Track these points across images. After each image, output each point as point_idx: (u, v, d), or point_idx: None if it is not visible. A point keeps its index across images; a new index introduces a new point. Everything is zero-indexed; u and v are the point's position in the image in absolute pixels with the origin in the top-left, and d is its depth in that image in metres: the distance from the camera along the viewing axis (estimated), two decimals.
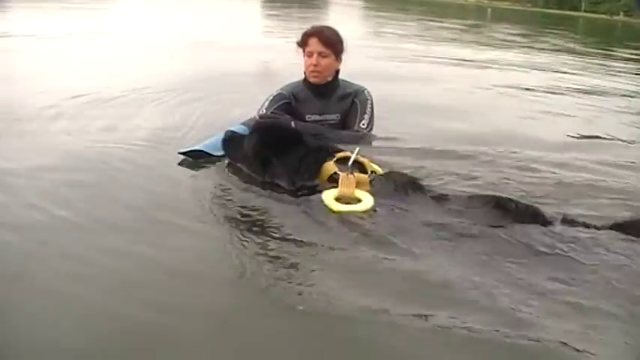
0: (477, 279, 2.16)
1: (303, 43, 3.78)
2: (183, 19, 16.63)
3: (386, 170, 2.97)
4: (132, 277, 2.20)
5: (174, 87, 5.40)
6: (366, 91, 3.92)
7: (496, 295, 2.07)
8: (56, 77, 6.03)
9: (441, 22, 23.09)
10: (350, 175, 2.72)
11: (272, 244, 2.41)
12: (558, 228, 2.47)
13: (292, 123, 3.50)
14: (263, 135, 3.04)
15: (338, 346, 1.86)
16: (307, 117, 3.82)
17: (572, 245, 2.35)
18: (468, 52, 11.46)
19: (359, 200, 2.66)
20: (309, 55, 3.75)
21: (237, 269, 2.25)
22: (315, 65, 3.73)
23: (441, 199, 2.68)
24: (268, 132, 3.08)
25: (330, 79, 3.82)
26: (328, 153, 2.90)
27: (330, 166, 2.81)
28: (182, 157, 3.37)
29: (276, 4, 28.21)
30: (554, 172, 3.55)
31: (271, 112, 3.75)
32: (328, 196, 2.67)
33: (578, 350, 1.83)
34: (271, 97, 3.86)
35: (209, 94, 5.19)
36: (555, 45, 15.89)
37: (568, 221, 2.52)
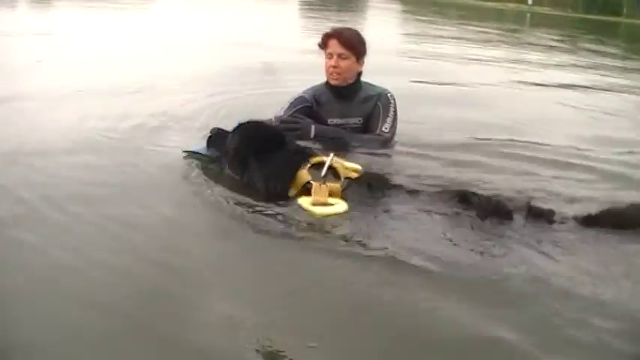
0: (444, 272, 2.32)
1: (323, 45, 3.76)
2: (222, 20, 16.79)
3: (364, 171, 3.03)
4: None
5: (207, 85, 5.52)
6: (389, 94, 3.85)
7: (464, 288, 2.24)
8: (94, 74, 6.19)
9: (478, 26, 22.87)
10: (322, 185, 2.78)
11: (249, 249, 2.54)
12: (521, 220, 2.64)
13: (313, 127, 3.55)
14: (244, 134, 3.06)
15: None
16: (329, 120, 3.80)
17: (531, 236, 2.54)
18: (503, 53, 11.37)
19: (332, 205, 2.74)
20: (329, 56, 3.72)
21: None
22: (335, 67, 3.70)
23: (412, 195, 2.84)
24: (250, 131, 3.08)
25: (351, 81, 3.78)
26: (304, 157, 2.93)
27: (304, 175, 2.87)
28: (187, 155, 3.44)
29: (314, 6, 28.28)
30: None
31: (289, 116, 3.72)
32: (305, 202, 2.76)
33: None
34: (292, 100, 3.84)
35: (240, 94, 5.27)
36: (593, 49, 15.67)
37: (533, 214, 2.67)
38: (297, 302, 2.15)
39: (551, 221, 2.66)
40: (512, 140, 4.25)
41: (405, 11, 36.10)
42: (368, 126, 3.82)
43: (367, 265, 2.36)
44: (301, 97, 3.85)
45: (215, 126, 3.38)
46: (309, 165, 2.91)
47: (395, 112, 3.80)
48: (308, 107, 3.82)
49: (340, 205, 2.75)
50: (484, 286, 2.27)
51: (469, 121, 4.87)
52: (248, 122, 3.15)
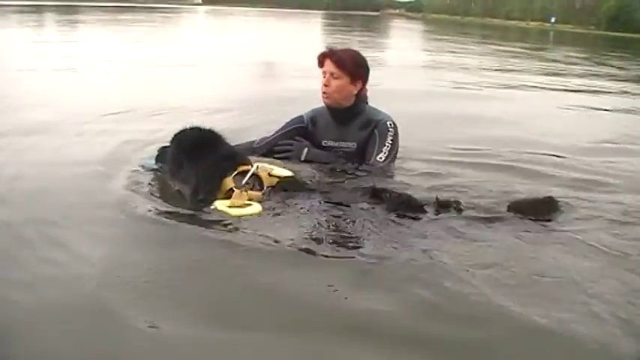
0: (342, 259, 2.45)
1: (319, 64, 3.63)
2: (240, 43, 17.06)
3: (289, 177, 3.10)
4: None
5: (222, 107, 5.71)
6: (388, 122, 3.62)
7: (356, 271, 2.37)
8: (130, 97, 6.44)
9: (501, 44, 22.95)
10: (243, 193, 2.86)
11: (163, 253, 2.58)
12: (431, 214, 2.79)
13: (305, 150, 3.54)
14: (178, 140, 3.10)
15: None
16: (323, 142, 3.69)
17: (440, 228, 2.70)
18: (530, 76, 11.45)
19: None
20: (323, 75, 3.59)
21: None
22: (325, 86, 3.56)
23: (326, 194, 2.96)
24: (184, 136, 3.10)
25: (346, 104, 3.61)
26: (232, 163, 2.97)
27: (229, 182, 2.91)
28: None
29: (337, 27, 28.56)
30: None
31: (282, 135, 3.75)
32: (222, 204, 2.82)
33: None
34: (289, 120, 3.82)
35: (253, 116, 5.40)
36: (616, 67, 15.65)
37: (442, 206, 2.83)
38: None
39: (459, 210, 2.83)
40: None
41: (427, 31, 36.34)
42: (364, 153, 3.62)
43: (272, 259, 2.48)
44: (298, 117, 3.79)
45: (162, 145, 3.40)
46: (235, 173, 2.94)
47: (393, 142, 3.59)
48: (302, 128, 3.75)
49: (254, 207, 2.81)
50: (377, 268, 2.40)
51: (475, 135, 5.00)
52: (184, 129, 3.12)
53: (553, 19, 55.84)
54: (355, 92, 3.60)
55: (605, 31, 45.73)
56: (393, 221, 2.73)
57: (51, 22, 24.52)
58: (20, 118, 5.04)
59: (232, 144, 3.24)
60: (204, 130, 3.11)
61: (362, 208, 2.84)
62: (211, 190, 2.90)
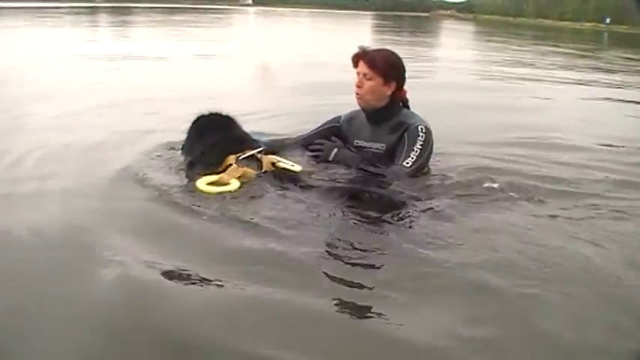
0: (318, 261, 2.48)
1: (353, 65, 3.59)
2: (296, 42, 17.22)
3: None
4: None
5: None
6: (420, 127, 3.47)
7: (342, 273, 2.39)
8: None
9: (555, 45, 22.61)
10: (239, 168, 3.04)
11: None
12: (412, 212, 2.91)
13: (335, 151, 3.53)
14: (195, 122, 3.38)
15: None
16: (355, 142, 3.68)
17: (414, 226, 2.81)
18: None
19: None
20: (357, 76, 3.55)
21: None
22: (358, 87, 3.52)
23: (307, 190, 3.05)
24: (200, 119, 3.38)
25: (379, 105, 3.54)
26: (240, 145, 3.21)
27: (231, 159, 3.11)
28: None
29: (386, 28, 28.53)
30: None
31: (316, 133, 3.81)
32: (201, 182, 2.99)
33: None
34: (328, 119, 3.87)
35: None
36: None
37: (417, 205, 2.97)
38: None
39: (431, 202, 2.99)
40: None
41: (478, 32, 36.02)
42: (394, 155, 3.52)
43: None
44: (336, 117, 3.82)
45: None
46: (241, 154, 3.14)
47: (423, 146, 3.43)
48: (336, 127, 3.77)
49: (232, 185, 2.97)
50: (345, 263, 2.46)
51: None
52: (205, 113, 3.38)
53: (608, 20, 54.68)
54: (389, 93, 3.52)
55: None
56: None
57: (106, 22, 25.13)
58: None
59: (269, 138, 3.66)
60: (222, 114, 3.38)
61: (334, 206, 2.92)
62: (212, 164, 3.09)
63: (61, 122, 4.94)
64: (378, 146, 3.55)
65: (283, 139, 3.93)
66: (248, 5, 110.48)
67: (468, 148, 4.25)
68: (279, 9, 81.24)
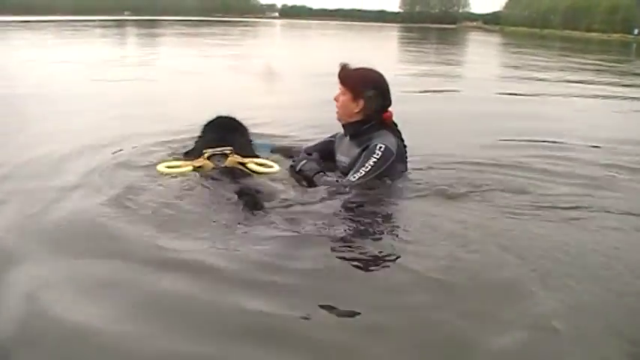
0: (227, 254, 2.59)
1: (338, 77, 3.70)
2: (322, 53, 17.35)
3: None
4: None
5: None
6: (379, 145, 3.44)
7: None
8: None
9: (583, 57, 22.44)
10: (203, 160, 3.47)
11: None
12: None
13: (302, 163, 3.70)
14: (208, 121, 3.80)
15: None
16: (337, 156, 3.78)
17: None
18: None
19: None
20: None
21: None
22: (335, 100, 3.64)
23: (233, 188, 3.23)
24: (211, 119, 3.81)
25: (351, 120, 3.61)
26: (216, 143, 3.58)
27: (207, 152, 3.51)
28: None
29: (413, 40, 28.55)
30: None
31: (312, 145, 4.02)
32: (162, 165, 3.53)
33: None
34: (333, 133, 3.97)
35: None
36: None
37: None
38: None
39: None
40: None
41: (505, 44, 35.90)
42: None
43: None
44: (337, 132, 3.91)
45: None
46: (213, 150, 3.53)
47: (375, 163, 3.40)
48: (331, 142, 3.92)
49: (184, 169, 3.46)
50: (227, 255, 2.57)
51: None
52: (218, 115, 3.83)
53: (636, 31, 54.23)
54: (356, 110, 3.55)
55: None
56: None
57: (134, 36, 25.52)
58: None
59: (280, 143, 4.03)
60: (229, 118, 3.82)
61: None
62: (194, 155, 3.58)
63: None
64: (346, 160, 3.63)
65: (290, 147, 4.18)
66: (275, 18, 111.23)
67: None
68: (305, 21, 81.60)
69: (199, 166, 3.44)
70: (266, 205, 3.04)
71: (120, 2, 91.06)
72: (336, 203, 3.18)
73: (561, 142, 5.09)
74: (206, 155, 3.48)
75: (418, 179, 3.58)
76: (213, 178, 3.34)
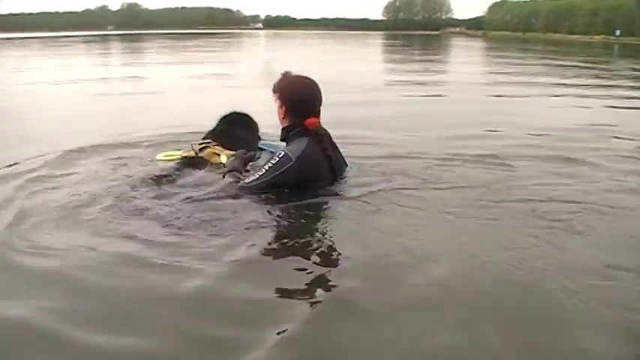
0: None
1: None
2: (310, 64, 17.38)
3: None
4: None
5: None
6: (280, 152, 3.51)
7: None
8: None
9: (565, 59, 22.56)
10: (190, 151, 4.07)
11: None
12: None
13: (231, 158, 3.89)
14: (223, 116, 4.37)
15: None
16: None
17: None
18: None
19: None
20: None
21: None
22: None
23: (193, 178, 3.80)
24: (226, 115, 4.37)
25: (282, 125, 3.71)
26: (211, 137, 4.19)
27: (197, 145, 4.12)
28: None
29: (397, 47, 28.61)
30: None
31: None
32: (161, 154, 4.13)
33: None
34: None
35: None
36: None
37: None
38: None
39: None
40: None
41: (488, 48, 36.09)
42: None
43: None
44: None
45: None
46: (202, 143, 4.13)
47: (270, 168, 3.45)
48: None
49: (175, 155, 4.07)
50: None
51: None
52: (232, 111, 4.39)
53: (618, 32, 54.72)
54: (282, 117, 3.66)
55: None
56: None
57: (119, 49, 25.47)
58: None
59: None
60: (237, 113, 4.38)
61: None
62: (203, 144, 4.11)
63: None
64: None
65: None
66: (259, 29, 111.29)
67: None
68: (290, 31, 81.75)
69: (186, 156, 4.06)
70: (166, 190, 3.50)
71: (104, 17, 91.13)
72: (223, 203, 3.34)
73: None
74: (194, 147, 4.08)
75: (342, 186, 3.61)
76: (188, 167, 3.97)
